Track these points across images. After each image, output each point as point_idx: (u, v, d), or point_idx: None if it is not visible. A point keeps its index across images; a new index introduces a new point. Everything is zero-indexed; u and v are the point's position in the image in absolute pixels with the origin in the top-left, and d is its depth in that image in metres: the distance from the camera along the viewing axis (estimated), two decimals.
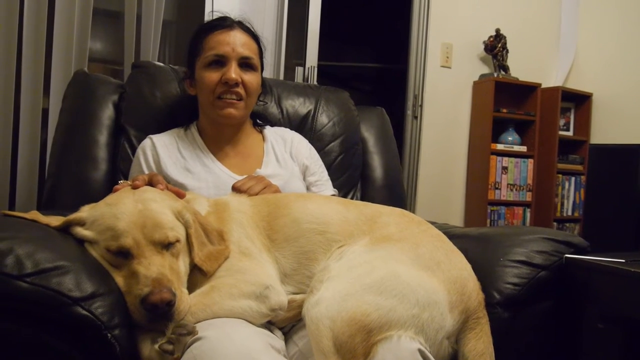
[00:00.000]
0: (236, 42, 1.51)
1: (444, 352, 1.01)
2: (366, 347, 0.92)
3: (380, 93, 4.48)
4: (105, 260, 1.01)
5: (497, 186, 3.56)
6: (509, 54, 3.63)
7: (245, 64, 1.52)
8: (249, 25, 1.59)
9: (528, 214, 3.67)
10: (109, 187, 1.53)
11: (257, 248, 1.15)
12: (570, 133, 3.89)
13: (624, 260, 1.20)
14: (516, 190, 3.63)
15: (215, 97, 1.50)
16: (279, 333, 1.11)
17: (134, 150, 1.61)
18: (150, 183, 1.19)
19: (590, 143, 3.77)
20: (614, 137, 3.63)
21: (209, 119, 1.57)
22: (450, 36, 3.57)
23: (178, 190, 1.22)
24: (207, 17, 2.60)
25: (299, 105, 1.90)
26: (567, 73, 3.91)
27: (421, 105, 3.48)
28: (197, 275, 1.08)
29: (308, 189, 1.64)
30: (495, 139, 3.60)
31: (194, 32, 1.58)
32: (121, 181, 1.26)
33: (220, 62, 1.50)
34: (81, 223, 1.05)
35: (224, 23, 1.55)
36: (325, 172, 1.73)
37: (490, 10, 3.70)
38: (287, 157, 1.64)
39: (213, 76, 1.49)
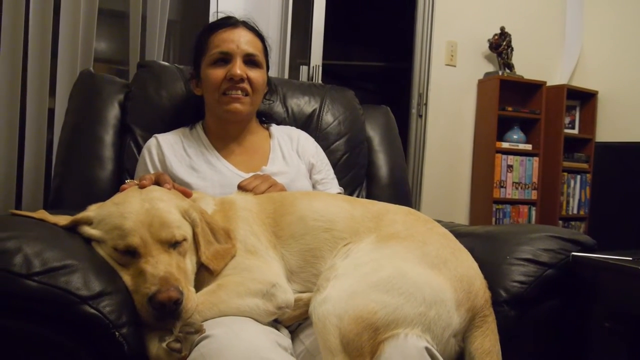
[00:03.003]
0: (240, 39, 1.52)
1: (450, 350, 1.01)
2: (373, 345, 0.92)
3: (385, 92, 4.48)
4: (113, 259, 1.01)
5: (502, 184, 3.56)
6: (513, 52, 3.62)
7: (250, 61, 1.53)
8: (253, 25, 1.59)
9: (533, 213, 3.66)
10: (115, 186, 1.53)
11: (263, 245, 1.15)
12: (575, 131, 3.88)
13: (631, 258, 1.20)
14: (521, 188, 3.62)
15: (220, 94, 1.51)
16: (285, 331, 1.11)
17: (139, 149, 1.61)
18: (157, 182, 1.20)
19: (595, 141, 3.76)
20: (619, 135, 3.62)
21: (215, 116, 1.58)
22: (454, 34, 3.56)
23: (185, 190, 1.23)
24: (212, 17, 2.60)
25: (304, 104, 1.91)
26: (572, 71, 3.89)
27: (426, 104, 3.48)
28: (204, 274, 1.08)
29: (314, 187, 1.64)
30: (501, 137, 3.60)
31: (200, 32, 1.58)
32: (128, 180, 1.26)
33: (225, 59, 1.50)
34: (89, 222, 1.05)
35: (229, 22, 1.56)
36: (332, 171, 1.73)
37: (495, 8, 3.69)
38: (294, 155, 1.64)
39: (218, 73, 1.50)
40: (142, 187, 1.13)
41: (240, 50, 1.50)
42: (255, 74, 1.53)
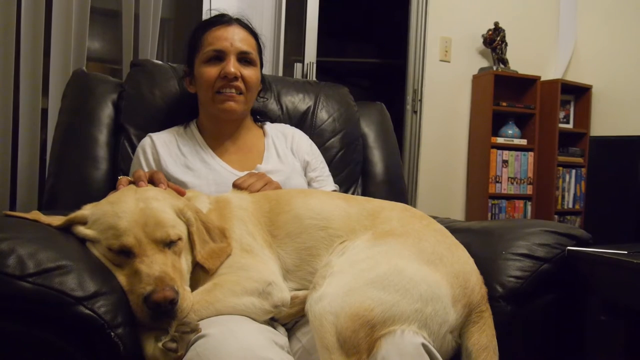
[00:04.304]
0: (234, 37, 1.51)
1: (447, 346, 1.01)
2: (370, 342, 0.92)
3: (380, 88, 4.48)
4: (108, 259, 1.01)
5: (497, 180, 3.56)
6: (508, 47, 3.62)
7: (244, 59, 1.52)
8: (247, 22, 1.59)
9: (529, 207, 3.67)
10: (109, 186, 1.53)
11: (259, 244, 1.15)
12: (570, 125, 3.89)
13: (626, 252, 1.20)
14: (517, 183, 3.63)
15: (214, 92, 1.50)
16: (282, 329, 1.11)
17: (134, 148, 1.60)
18: (151, 181, 1.19)
19: (590, 135, 3.77)
20: (614, 129, 3.63)
21: (209, 115, 1.57)
22: (449, 30, 3.56)
23: (178, 188, 1.22)
24: (205, 15, 2.59)
25: (299, 102, 1.90)
26: (567, 65, 3.90)
27: (421, 100, 3.48)
28: (200, 273, 1.08)
29: (309, 184, 1.63)
30: (496, 133, 3.60)
31: (193, 30, 1.58)
32: (120, 177, 1.25)
33: (219, 57, 1.50)
34: (83, 222, 1.05)
35: (222, 19, 1.55)
36: (326, 168, 1.73)
37: (488, 3, 3.69)
38: (288, 153, 1.64)
39: (212, 71, 1.49)
40: (138, 186, 1.13)
41: (234, 48, 1.50)
42: (249, 72, 1.52)
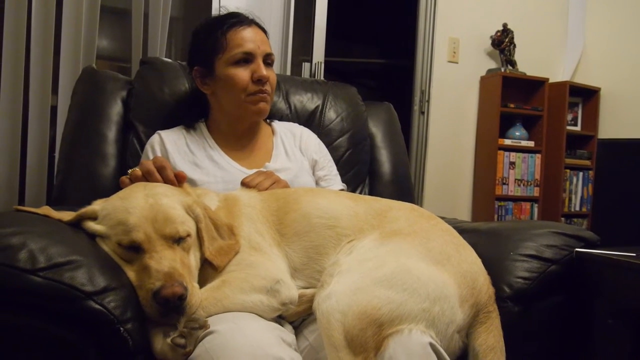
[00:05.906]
0: (258, 38, 1.52)
1: (454, 346, 1.01)
2: (377, 340, 0.92)
3: (387, 88, 4.48)
4: (117, 255, 1.02)
5: (504, 181, 3.55)
6: (516, 49, 3.62)
7: (266, 60, 1.53)
8: (261, 22, 1.59)
9: (536, 209, 3.66)
10: (118, 183, 1.53)
11: (267, 243, 1.16)
12: (578, 128, 3.87)
13: (634, 254, 1.20)
14: (524, 185, 3.62)
15: (247, 95, 1.50)
16: (289, 327, 1.11)
17: (142, 145, 1.61)
18: (157, 168, 1.20)
19: (598, 138, 3.76)
20: (622, 132, 3.61)
21: (232, 115, 1.56)
22: (457, 31, 3.56)
23: (180, 173, 1.22)
24: (215, 13, 2.60)
25: (307, 101, 1.91)
26: (575, 68, 3.89)
27: (428, 101, 3.48)
28: (208, 270, 1.08)
29: (317, 183, 1.64)
30: (503, 134, 3.59)
31: (207, 29, 1.55)
32: (130, 170, 1.26)
33: (246, 59, 1.50)
34: (93, 217, 1.05)
35: (243, 20, 1.54)
36: (334, 167, 1.73)
37: (497, 4, 3.68)
38: (297, 151, 1.64)
39: (244, 74, 1.49)
40: (152, 179, 1.15)
41: (261, 51, 1.51)
42: (272, 74, 1.54)
